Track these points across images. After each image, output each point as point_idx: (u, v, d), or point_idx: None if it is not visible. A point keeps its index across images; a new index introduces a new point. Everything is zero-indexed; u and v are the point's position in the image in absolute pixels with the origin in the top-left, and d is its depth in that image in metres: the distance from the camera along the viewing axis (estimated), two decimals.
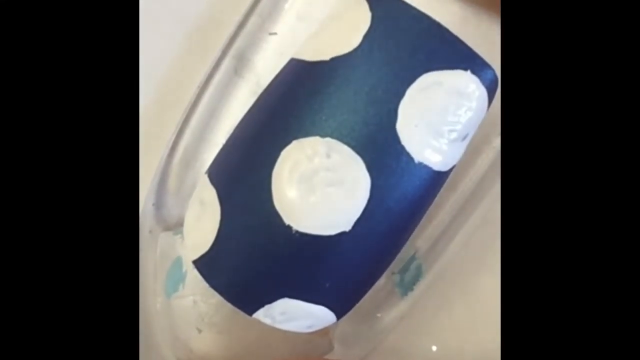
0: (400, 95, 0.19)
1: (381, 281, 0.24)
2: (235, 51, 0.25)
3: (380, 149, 0.19)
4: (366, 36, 0.20)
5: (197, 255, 0.21)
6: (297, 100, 0.20)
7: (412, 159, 0.19)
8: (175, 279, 0.25)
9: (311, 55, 0.20)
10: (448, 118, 0.19)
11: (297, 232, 0.19)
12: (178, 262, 0.24)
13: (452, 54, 0.20)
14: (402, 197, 0.20)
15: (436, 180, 0.20)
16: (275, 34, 0.26)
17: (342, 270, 0.20)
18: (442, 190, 0.22)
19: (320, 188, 0.19)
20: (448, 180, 0.21)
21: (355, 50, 0.20)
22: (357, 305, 0.22)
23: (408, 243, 0.22)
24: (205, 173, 0.22)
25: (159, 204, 0.24)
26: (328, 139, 0.19)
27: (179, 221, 0.24)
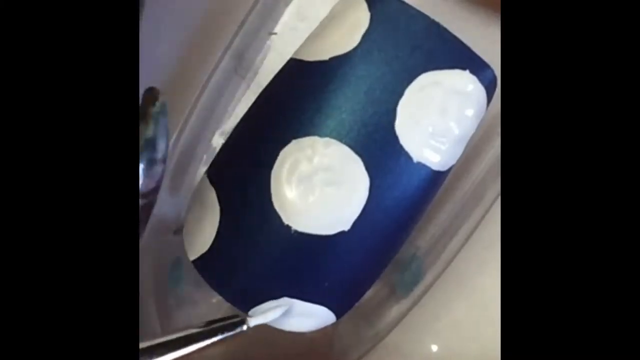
0: (399, 94, 0.19)
1: (381, 281, 0.24)
2: (235, 51, 0.25)
3: (379, 148, 0.19)
4: (365, 36, 0.20)
5: (196, 255, 0.21)
6: (296, 100, 0.20)
7: (410, 158, 0.19)
8: (175, 279, 0.25)
9: (310, 55, 0.20)
10: (447, 118, 0.19)
11: (296, 231, 0.19)
12: (178, 262, 0.24)
13: (451, 53, 0.20)
14: (401, 196, 0.20)
15: (435, 180, 0.20)
16: (275, 34, 0.26)
17: (341, 269, 0.20)
18: (442, 190, 0.22)
19: (319, 188, 0.19)
20: (448, 180, 0.21)
21: (354, 50, 0.20)
22: (357, 304, 0.22)
23: (408, 243, 0.22)
24: (205, 173, 0.22)
25: (159, 204, 0.24)
26: (327, 139, 0.19)
27: (179, 221, 0.24)
